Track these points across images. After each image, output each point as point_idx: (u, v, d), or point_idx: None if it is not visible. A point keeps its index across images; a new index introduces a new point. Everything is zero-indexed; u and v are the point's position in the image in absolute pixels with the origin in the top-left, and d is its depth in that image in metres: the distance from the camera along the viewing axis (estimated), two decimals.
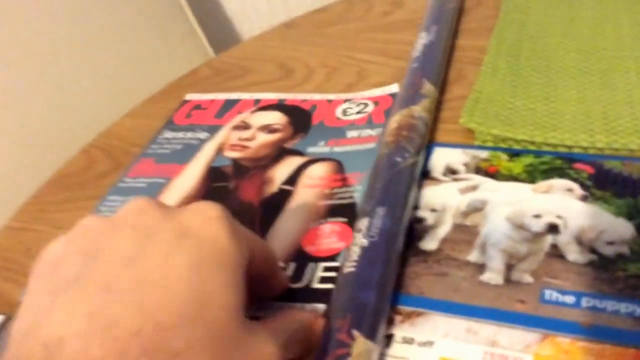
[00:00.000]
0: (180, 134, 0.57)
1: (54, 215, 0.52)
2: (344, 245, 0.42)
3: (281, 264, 0.41)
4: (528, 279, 0.38)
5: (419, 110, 0.49)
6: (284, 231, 0.44)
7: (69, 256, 0.29)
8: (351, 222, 0.44)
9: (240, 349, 0.28)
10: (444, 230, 0.42)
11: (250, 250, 0.33)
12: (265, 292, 0.38)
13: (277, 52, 0.68)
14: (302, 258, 0.42)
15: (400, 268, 0.40)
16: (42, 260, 0.31)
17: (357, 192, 0.46)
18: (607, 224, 0.40)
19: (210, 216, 0.31)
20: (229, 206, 0.46)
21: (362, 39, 0.66)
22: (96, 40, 0.80)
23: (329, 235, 0.43)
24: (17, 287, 0.46)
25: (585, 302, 0.36)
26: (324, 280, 0.40)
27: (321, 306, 0.38)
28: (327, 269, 0.41)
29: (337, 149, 0.51)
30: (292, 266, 0.41)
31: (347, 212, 0.45)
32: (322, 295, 0.39)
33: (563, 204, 0.42)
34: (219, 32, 1.12)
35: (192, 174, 0.52)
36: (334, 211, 0.45)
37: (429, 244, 0.42)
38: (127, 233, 0.29)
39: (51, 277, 0.29)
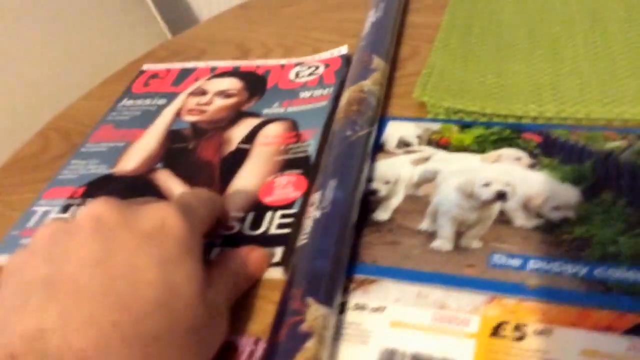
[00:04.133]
0: (138, 102, 0.59)
1: (10, 198, 0.51)
2: (300, 194, 0.44)
3: (239, 214, 0.43)
4: (477, 244, 0.39)
5: (369, 84, 0.50)
6: (243, 185, 0.46)
7: (34, 262, 0.30)
8: (306, 173, 0.46)
9: (207, 327, 0.32)
10: (396, 201, 0.43)
11: (204, 224, 0.36)
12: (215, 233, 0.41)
13: (234, 33, 0.68)
14: (260, 208, 0.44)
15: (354, 239, 0.40)
16: (8, 270, 0.31)
17: (310, 146, 0.48)
18: (554, 190, 0.41)
19: (166, 213, 0.33)
20: (188, 165, 0.49)
21: (317, 19, 0.67)
22: (54, 23, 0.79)
23: (285, 186, 0.45)
24: None
25: (531, 264, 0.37)
26: (281, 226, 0.42)
27: (279, 249, 0.40)
28: (283, 216, 0.43)
29: (291, 109, 0.53)
30: (250, 216, 0.43)
31: (302, 165, 0.47)
32: (280, 239, 0.41)
33: (511, 173, 0.43)
34: (177, 16, 1.11)
35: (151, 137, 0.53)
36: (289, 164, 0.47)
37: (382, 214, 0.42)
38: (90, 235, 0.31)
39: (19, 283, 0.29)
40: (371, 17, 0.58)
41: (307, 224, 0.39)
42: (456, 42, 0.56)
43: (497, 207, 0.41)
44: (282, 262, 0.39)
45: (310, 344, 0.32)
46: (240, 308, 0.38)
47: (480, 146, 0.46)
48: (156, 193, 0.47)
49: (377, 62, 0.52)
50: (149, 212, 0.33)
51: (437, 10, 0.62)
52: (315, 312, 0.34)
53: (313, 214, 0.40)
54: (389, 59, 0.54)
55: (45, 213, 0.47)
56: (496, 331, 0.34)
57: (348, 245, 0.39)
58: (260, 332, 0.37)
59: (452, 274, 0.37)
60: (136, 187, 0.48)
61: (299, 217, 0.42)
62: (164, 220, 0.32)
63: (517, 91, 0.49)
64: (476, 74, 0.52)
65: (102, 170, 0.50)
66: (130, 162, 0.51)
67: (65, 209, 0.47)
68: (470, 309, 0.35)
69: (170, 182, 0.48)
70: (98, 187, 0.48)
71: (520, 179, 0.42)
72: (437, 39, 0.57)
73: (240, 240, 0.41)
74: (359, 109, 0.47)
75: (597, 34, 0.54)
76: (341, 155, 0.43)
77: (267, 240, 0.41)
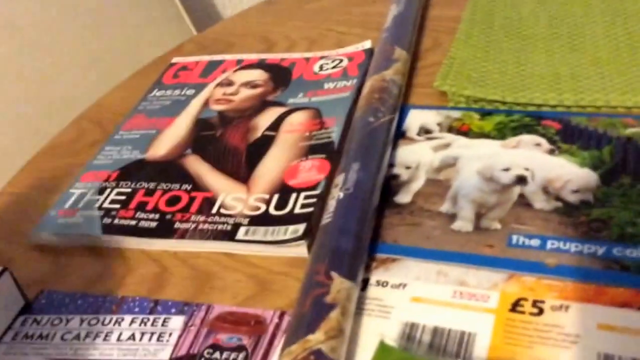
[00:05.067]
0: (168, 92, 0.61)
1: (46, 181, 0.53)
2: (323, 177, 0.46)
3: (266, 196, 0.45)
4: (496, 225, 0.40)
5: (391, 74, 0.51)
6: (268, 169, 0.48)
7: None
8: (329, 158, 0.47)
9: None
10: (417, 184, 0.44)
11: None
12: None
13: (259, 27, 0.70)
14: (285, 190, 0.45)
15: (376, 220, 0.42)
16: None
17: (334, 132, 0.50)
18: (573, 174, 0.42)
19: None
20: (216, 151, 0.51)
21: (341, 13, 0.68)
22: (87, 22, 0.82)
23: (310, 170, 0.47)
24: (13, 246, 0.48)
25: (550, 244, 0.38)
26: (304, 206, 0.44)
27: (301, 226, 0.42)
28: (307, 197, 0.44)
29: (315, 99, 0.55)
30: (276, 197, 0.45)
31: (325, 150, 0.48)
32: (303, 217, 0.43)
33: (531, 157, 0.44)
34: (203, 14, 1.14)
35: (181, 125, 0.55)
36: (313, 150, 0.49)
37: (403, 197, 0.44)
38: None
39: None
40: (393, 10, 0.60)
41: (331, 204, 0.41)
42: (477, 33, 0.57)
43: (516, 190, 0.42)
44: (304, 237, 0.41)
45: (334, 315, 0.34)
46: (264, 284, 0.40)
47: (501, 133, 0.47)
48: (186, 177, 0.49)
49: (399, 52, 0.53)
50: None
51: (458, 2, 0.63)
52: (339, 285, 0.35)
53: (336, 194, 0.41)
54: (411, 50, 0.56)
55: (82, 195, 0.49)
56: (515, 307, 0.35)
57: (370, 225, 0.40)
58: (284, 306, 0.38)
59: (471, 253, 0.38)
60: (167, 172, 0.50)
61: (322, 197, 0.44)
62: None
63: (537, 80, 0.50)
64: (497, 64, 0.53)
65: (135, 155, 0.52)
66: (161, 148, 0.53)
67: (101, 191, 0.49)
68: (489, 286, 0.36)
69: (199, 166, 0.50)
70: (131, 171, 0.50)
71: (540, 163, 0.43)
72: (458, 30, 0.58)
73: (266, 219, 0.43)
74: (381, 97, 0.49)
75: (618, 25, 0.54)
76: (364, 140, 0.45)
77: (292, 219, 0.43)
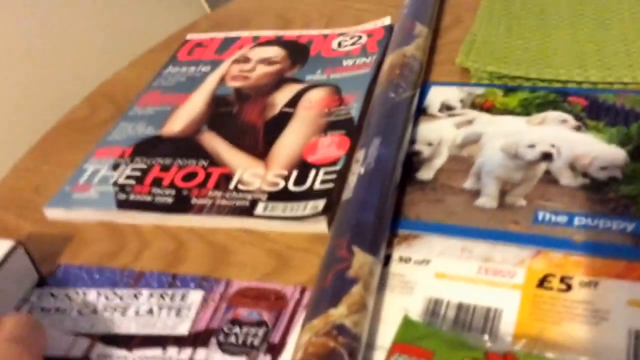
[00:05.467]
0: (183, 69, 0.60)
1: (60, 157, 0.53)
2: (343, 153, 0.45)
3: (284, 172, 0.44)
4: (521, 202, 0.39)
5: (412, 49, 0.50)
6: (287, 145, 0.47)
7: None
8: (349, 134, 0.46)
9: None
10: (439, 161, 0.43)
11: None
12: None
13: (275, 4, 0.69)
14: (304, 166, 0.45)
15: (398, 197, 0.41)
16: None
17: (353, 108, 0.49)
18: (600, 150, 0.41)
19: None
20: (233, 127, 0.50)
21: None
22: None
23: (329, 146, 0.46)
24: (27, 221, 0.47)
25: (577, 220, 0.37)
26: (324, 182, 0.43)
27: (321, 201, 0.41)
28: (327, 173, 0.43)
29: (333, 76, 0.54)
30: (295, 173, 0.44)
31: (345, 126, 0.47)
32: (323, 193, 0.42)
33: (557, 134, 0.43)
34: None
35: (197, 101, 0.54)
36: (333, 126, 0.48)
37: (425, 174, 0.43)
38: None
39: None
40: None
41: (352, 180, 0.40)
42: (500, 9, 0.56)
43: (542, 167, 0.41)
44: (324, 212, 0.40)
45: (356, 289, 0.33)
46: (284, 260, 0.39)
47: (525, 109, 0.45)
48: (203, 153, 0.48)
49: (420, 29, 0.52)
50: None
51: None
52: (361, 260, 0.34)
53: (357, 169, 0.40)
54: (432, 25, 0.55)
55: (96, 171, 0.48)
56: (542, 283, 0.34)
57: (392, 200, 0.39)
58: (304, 282, 0.37)
59: (497, 229, 0.37)
60: (183, 148, 0.49)
61: (342, 173, 0.43)
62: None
63: (561, 57, 0.49)
64: (520, 40, 0.51)
65: (150, 132, 0.51)
66: (176, 124, 0.52)
67: (115, 167, 0.48)
68: (515, 262, 0.35)
69: (216, 143, 0.49)
70: (146, 148, 0.50)
71: (566, 140, 0.42)
72: (480, 6, 0.56)
73: (285, 195, 0.42)
74: (401, 72, 0.47)
75: None
76: (385, 115, 0.44)
77: (311, 195, 0.42)
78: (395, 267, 0.37)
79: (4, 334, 0.32)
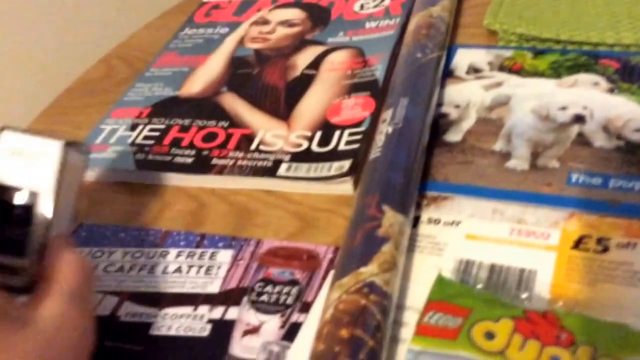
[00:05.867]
0: (201, 30, 0.58)
1: (75, 118, 0.52)
2: (368, 114, 0.44)
3: (307, 133, 0.43)
4: (554, 164, 0.38)
5: (438, 10, 0.48)
6: (310, 107, 0.46)
7: None
8: (374, 95, 0.45)
9: None
10: (468, 123, 0.42)
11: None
12: None
13: None
14: (328, 127, 0.44)
15: (425, 159, 0.40)
16: None
17: (378, 70, 0.48)
18: (634, 112, 0.40)
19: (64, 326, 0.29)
20: (254, 89, 0.49)
21: None
22: None
23: (353, 107, 0.45)
24: None
25: (613, 182, 0.36)
26: (349, 142, 0.42)
27: (347, 162, 0.40)
28: (352, 134, 0.42)
29: (356, 38, 0.52)
30: (318, 134, 0.43)
31: (369, 87, 0.46)
32: (348, 153, 0.41)
33: (589, 96, 0.42)
34: None
35: (216, 63, 0.53)
36: (357, 87, 0.47)
37: (453, 136, 0.41)
38: None
39: None
40: None
41: (379, 139, 0.39)
42: None
43: (575, 129, 0.40)
44: (350, 173, 0.39)
45: (386, 248, 0.32)
46: (308, 221, 0.38)
47: (556, 72, 0.44)
48: (223, 114, 0.47)
49: None
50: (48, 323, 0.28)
51: None
52: (391, 219, 0.33)
53: (385, 129, 0.39)
54: None
55: (113, 130, 0.47)
56: (578, 244, 0.33)
57: (421, 160, 0.38)
58: (330, 243, 0.36)
59: (529, 191, 0.36)
60: (202, 109, 0.48)
61: (367, 134, 0.42)
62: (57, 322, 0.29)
63: (592, 19, 0.47)
64: (550, 2, 0.50)
65: (167, 93, 0.50)
66: (195, 85, 0.51)
67: (133, 127, 0.47)
68: (549, 224, 0.34)
69: (236, 104, 0.48)
70: (164, 108, 0.49)
71: (599, 102, 0.41)
72: None
73: (308, 156, 0.41)
74: (428, 33, 0.46)
75: None
76: (412, 76, 0.43)
77: (336, 155, 0.41)
78: (424, 228, 0.36)
79: (63, 289, 0.29)
